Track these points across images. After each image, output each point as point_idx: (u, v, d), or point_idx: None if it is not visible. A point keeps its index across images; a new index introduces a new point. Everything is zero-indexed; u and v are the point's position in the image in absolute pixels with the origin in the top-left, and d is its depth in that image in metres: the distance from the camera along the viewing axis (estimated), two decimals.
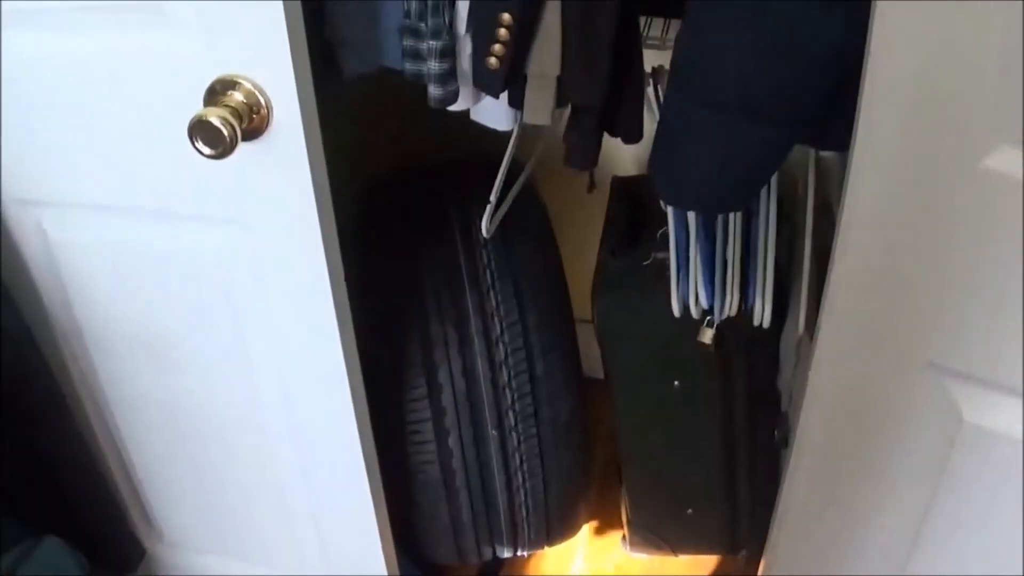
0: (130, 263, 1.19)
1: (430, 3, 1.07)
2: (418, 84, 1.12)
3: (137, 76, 1.02)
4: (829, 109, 0.96)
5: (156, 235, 1.16)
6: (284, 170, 1.01)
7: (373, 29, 1.14)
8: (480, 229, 1.38)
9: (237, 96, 0.96)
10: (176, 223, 1.14)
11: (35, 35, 1.03)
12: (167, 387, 1.30)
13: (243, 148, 0.96)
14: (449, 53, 1.09)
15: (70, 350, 1.32)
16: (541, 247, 1.58)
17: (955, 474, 1.00)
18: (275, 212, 1.07)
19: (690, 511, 1.67)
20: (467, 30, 1.08)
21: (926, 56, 0.79)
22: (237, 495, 1.43)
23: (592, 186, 1.61)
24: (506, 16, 1.02)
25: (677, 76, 1.02)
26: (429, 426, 1.49)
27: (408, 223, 1.55)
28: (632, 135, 1.16)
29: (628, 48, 1.08)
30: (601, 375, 1.58)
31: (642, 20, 1.30)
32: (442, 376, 1.47)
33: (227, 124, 0.92)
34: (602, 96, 1.08)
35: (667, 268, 1.36)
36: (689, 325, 1.37)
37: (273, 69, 0.94)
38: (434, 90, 1.11)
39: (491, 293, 1.48)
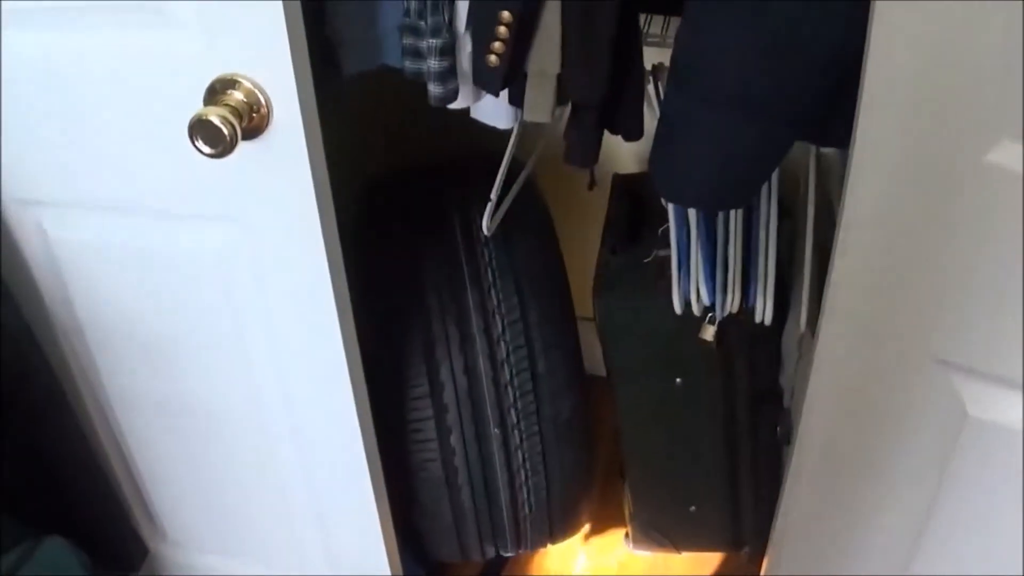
0: (130, 262, 1.19)
1: (429, 1, 1.07)
2: (418, 82, 1.12)
3: (137, 75, 1.02)
4: (829, 108, 0.96)
5: (156, 234, 1.16)
6: (284, 169, 1.01)
7: (373, 27, 1.14)
8: (481, 227, 1.38)
9: (237, 95, 0.96)
10: (176, 222, 1.14)
11: (35, 35, 1.03)
12: (168, 386, 1.31)
13: (243, 147, 0.96)
14: (449, 51, 1.09)
15: (71, 348, 1.32)
16: (542, 245, 1.58)
17: (958, 470, 1.00)
18: (275, 211, 1.07)
19: (693, 508, 1.67)
20: (467, 28, 1.08)
21: (926, 55, 0.79)
22: (239, 494, 1.43)
23: (593, 184, 1.61)
24: (506, 14, 1.02)
25: (677, 74, 1.02)
26: (431, 424, 1.49)
27: (409, 222, 1.55)
28: (632, 133, 1.15)
29: (628, 46, 1.08)
30: (603, 372, 1.58)
31: (642, 17, 1.30)
32: (444, 374, 1.47)
33: (227, 123, 0.92)
34: (602, 94, 1.08)
35: (668, 265, 1.36)
36: (691, 322, 1.37)
37: (273, 68, 0.94)
38: (434, 88, 1.11)
39: (492, 291, 1.48)
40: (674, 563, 1.80)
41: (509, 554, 1.67)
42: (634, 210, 1.59)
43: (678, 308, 1.35)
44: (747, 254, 1.33)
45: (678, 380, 1.50)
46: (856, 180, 0.88)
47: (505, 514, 1.58)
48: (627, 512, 1.76)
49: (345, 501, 1.35)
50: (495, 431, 1.51)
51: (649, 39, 1.31)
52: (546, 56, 1.06)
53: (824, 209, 1.28)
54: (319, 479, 1.34)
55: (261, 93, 0.96)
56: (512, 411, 1.51)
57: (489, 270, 1.48)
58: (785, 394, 1.49)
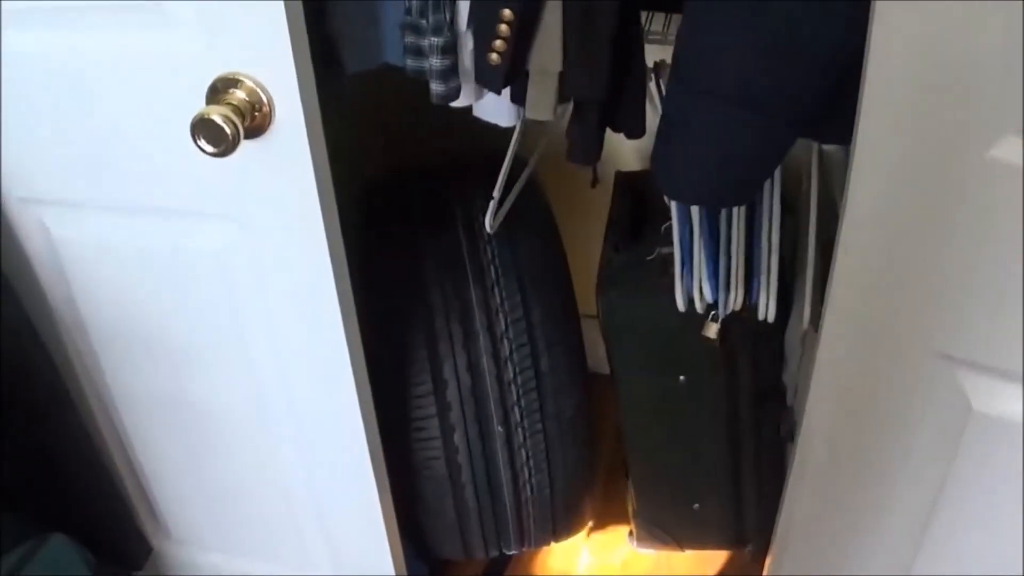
0: (133, 261, 1.20)
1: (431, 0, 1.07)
2: (420, 81, 1.12)
3: (139, 75, 1.02)
4: (829, 107, 0.96)
5: (158, 234, 1.16)
6: (287, 168, 1.01)
7: (374, 26, 1.14)
8: (484, 225, 1.38)
9: (239, 94, 0.96)
10: (179, 221, 1.14)
11: (37, 34, 1.03)
12: (171, 384, 1.31)
13: (245, 146, 0.96)
14: (451, 49, 1.09)
15: (74, 347, 1.32)
16: (545, 242, 1.58)
17: (962, 467, 1.00)
18: (278, 210, 1.07)
19: (696, 506, 1.67)
20: (468, 26, 1.08)
21: (926, 53, 0.79)
22: (242, 493, 1.43)
23: (595, 181, 1.61)
24: (507, 12, 1.02)
25: (678, 71, 1.02)
26: (434, 422, 1.49)
27: (412, 220, 1.55)
28: (634, 130, 1.15)
29: (630, 43, 1.08)
30: (606, 370, 1.58)
31: (644, 15, 1.29)
32: (447, 372, 1.47)
33: (229, 122, 0.92)
34: (603, 92, 1.08)
35: (671, 263, 1.36)
36: (693, 320, 1.37)
37: (275, 67, 0.95)
38: (436, 87, 1.11)
39: (495, 289, 1.48)
40: (677, 561, 1.80)
41: (512, 552, 1.68)
42: (637, 207, 1.59)
43: (681, 305, 1.35)
44: (750, 251, 1.33)
45: (681, 378, 1.50)
46: (858, 177, 0.88)
47: (508, 512, 1.58)
48: (630, 510, 1.76)
49: (348, 500, 1.35)
50: (498, 429, 1.51)
51: (651, 36, 1.31)
52: (547, 54, 1.06)
53: (827, 206, 1.27)
54: (321, 478, 1.34)
55: (263, 92, 0.96)
56: (515, 408, 1.51)
57: (492, 268, 1.48)
58: (788, 392, 1.49)
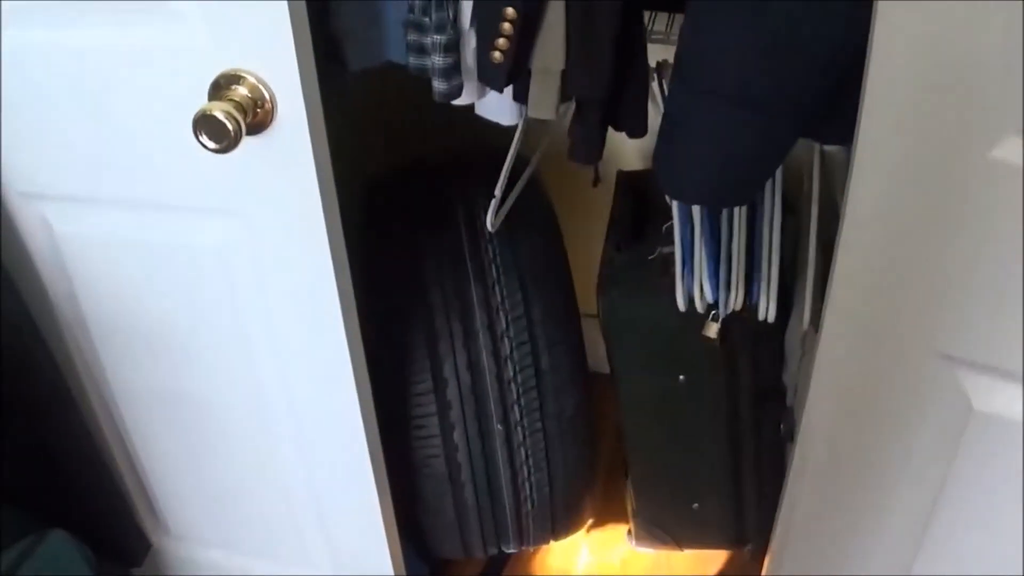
0: (134, 257, 1.20)
1: None
2: (422, 79, 1.12)
3: (141, 71, 1.02)
4: (830, 107, 0.96)
5: (160, 229, 1.16)
6: (288, 164, 1.01)
7: (377, 23, 1.14)
8: (485, 224, 1.38)
9: (241, 90, 0.96)
10: (181, 217, 1.14)
11: (39, 31, 1.03)
12: (171, 381, 1.31)
13: (247, 142, 0.97)
14: (453, 47, 1.09)
15: (75, 343, 1.32)
16: (546, 241, 1.58)
17: (962, 467, 1.00)
18: (279, 206, 1.07)
19: (696, 506, 1.67)
20: (471, 24, 1.08)
21: (928, 54, 0.79)
22: (241, 490, 1.43)
23: (597, 180, 1.61)
24: (510, 10, 1.02)
25: (680, 71, 1.02)
26: (434, 420, 1.49)
27: (413, 218, 1.55)
28: (636, 130, 1.15)
29: (632, 43, 1.08)
30: (606, 370, 1.58)
31: (647, 14, 1.29)
32: (447, 370, 1.47)
33: (231, 118, 0.93)
34: (605, 91, 1.08)
35: (672, 262, 1.36)
36: (694, 319, 1.37)
37: (277, 63, 0.95)
38: (438, 84, 1.11)
39: (496, 287, 1.48)
40: (676, 561, 1.80)
41: (511, 551, 1.68)
42: (638, 207, 1.59)
43: (682, 305, 1.35)
44: (751, 251, 1.33)
45: (681, 377, 1.50)
46: (858, 178, 0.88)
47: (508, 510, 1.58)
48: (630, 509, 1.76)
49: (347, 499, 1.35)
50: (498, 427, 1.51)
51: (653, 36, 1.31)
52: (550, 53, 1.06)
53: (828, 206, 1.28)
54: (321, 477, 1.34)
55: (265, 89, 0.96)
56: (515, 407, 1.51)
57: (493, 266, 1.48)
58: (788, 392, 1.49)
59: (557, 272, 1.58)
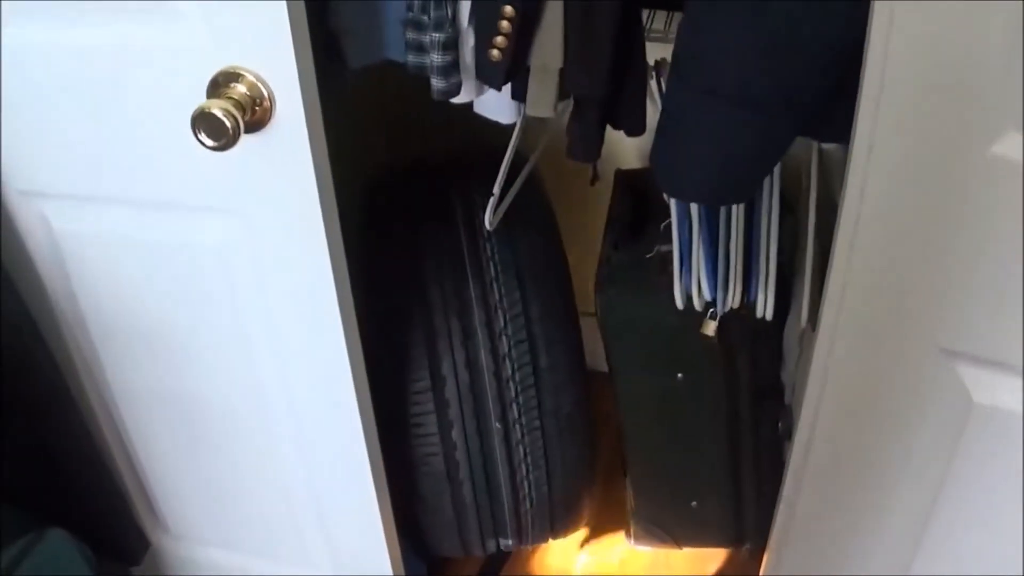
0: (133, 255, 1.20)
1: None
2: (421, 77, 1.12)
3: (140, 69, 1.02)
4: (829, 106, 0.96)
5: (159, 227, 1.16)
6: (287, 163, 1.01)
7: (376, 22, 1.15)
8: (483, 222, 1.38)
9: (240, 88, 0.96)
10: (179, 215, 1.14)
11: (38, 28, 1.03)
12: (171, 379, 1.31)
13: (246, 140, 0.96)
14: (452, 46, 1.09)
15: (74, 341, 1.32)
16: (544, 240, 1.58)
17: (963, 463, 1.00)
18: (278, 204, 1.07)
19: (694, 504, 1.67)
20: (470, 22, 1.08)
21: (926, 52, 0.79)
22: (241, 489, 1.43)
23: (595, 179, 1.62)
24: (508, 8, 1.02)
25: (679, 70, 1.02)
26: (433, 419, 1.49)
27: (411, 216, 1.55)
28: (635, 128, 1.16)
29: (631, 41, 1.08)
30: (604, 368, 1.58)
31: (645, 13, 1.29)
32: (445, 368, 1.47)
33: (230, 116, 0.93)
34: (604, 89, 1.08)
35: (670, 261, 1.36)
36: (692, 318, 1.37)
37: (276, 61, 0.95)
38: (437, 83, 1.11)
39: (494, 285, 1.48)
40: (675, 559, 1.80)
41: (510, 549, 1.68)
42: (636, 205, 1.59)
43: (680, 303, 1.35)
44: (749, 249, 1.33)
45: (679, 375, 1.50)
46: (856, 175, 0.88)
47: (506, 508, 1.58)
48: (628, 508, 1.76)
49: (346, 498, 1.35)
50: (496, 426, 1.51)
51: (652, 34, 1.31)
52: (548, 51, 1.06)
53: (826, 204, 1.28)
54: (320, 476, 1.34)
55: (264, 86, 0.96)
56: (514, 406, 1.51)
57: (491, 264, 1.48)
58: (786, 390, 1.49)
59: (555, 270, 1.58)
